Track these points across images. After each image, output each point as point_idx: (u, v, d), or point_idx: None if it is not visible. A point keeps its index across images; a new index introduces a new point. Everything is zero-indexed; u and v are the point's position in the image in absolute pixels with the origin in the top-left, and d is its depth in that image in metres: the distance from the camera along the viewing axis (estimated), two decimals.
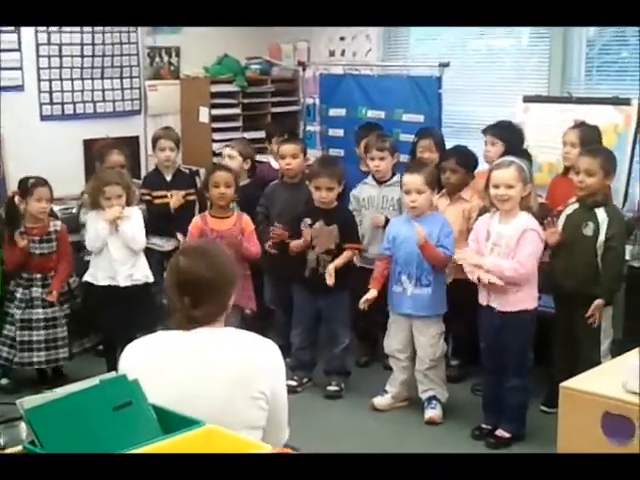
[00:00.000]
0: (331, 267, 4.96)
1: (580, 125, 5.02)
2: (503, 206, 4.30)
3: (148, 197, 5.71)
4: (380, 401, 4.91)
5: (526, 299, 4.35)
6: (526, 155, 4.93)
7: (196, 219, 5.14)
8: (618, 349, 4.22)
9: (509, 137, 5.18)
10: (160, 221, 5.64)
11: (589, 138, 4.89)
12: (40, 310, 5.08)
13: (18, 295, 5.07)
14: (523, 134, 5.38)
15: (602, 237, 4.42)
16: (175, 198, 5.67)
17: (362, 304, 4.81)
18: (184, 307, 2.51)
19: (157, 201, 5.72)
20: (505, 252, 4.29)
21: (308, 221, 5.04)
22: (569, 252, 4.49)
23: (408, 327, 4.80)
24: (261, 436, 2.50)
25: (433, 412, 4.74)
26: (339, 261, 4.99)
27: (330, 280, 4.93)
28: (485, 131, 5.29)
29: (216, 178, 5.03)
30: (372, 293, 4.80)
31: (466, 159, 5.14)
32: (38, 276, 5.08)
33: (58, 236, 5.14)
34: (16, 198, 5.08)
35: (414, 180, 4.64)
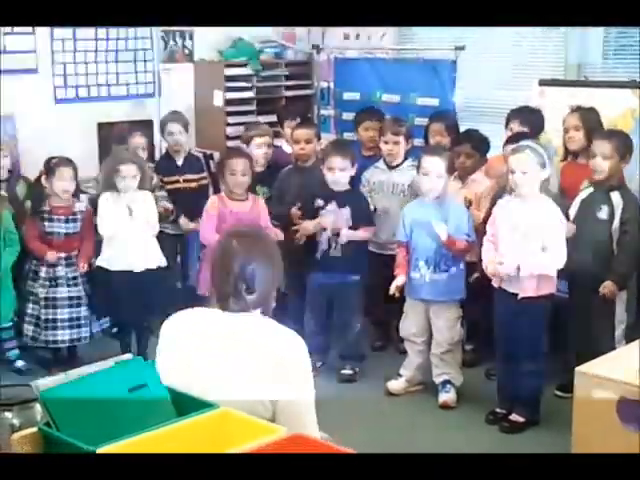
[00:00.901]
0: (345, 232, 4.92)
1: (578, 109, 4.98)
2: (519, 190, 4.28)
3: (160, 183, 5.70)
4: (394, 385, 4.90)
5: (548, 284, 4.32)
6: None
7: (213, 199, 5.13)
8: (632, 334, 4.21)
9: (531, 121, 5.14)
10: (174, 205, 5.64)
11: (591, 121, 4.87)
12: (65, 289, 5.10)
13: (42, 274, 5.09)
14: (543, 119, 5.34)
15: (617, 221, 4.39)
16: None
17: (393, 290, 4.77)
18: (238, 292, 2.49)
19: (168, 187, 5.71)
20: (529, 237, 4.25)
21: (320, 202, 5.02)
22: (584, 236, 4.45)
23: (425, 311, 4.79)
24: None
25: (447, 396, 4.73)
26: (354, 233, 4.96)
27: (343, 239, 4.91)
28: (509, 117, 5.23)
29: (233, 165, 5.01)
30: (401, 279, 4.76)
31: (480, 143, 5.13)
32: (63, 255, 5.10)
33: (83, 216, 5.17)
34: (42, 178, 5.11)
35: (435, 163, 4.61)
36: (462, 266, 4.75)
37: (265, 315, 2.58)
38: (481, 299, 4.70)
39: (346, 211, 4.99)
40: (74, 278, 5.14)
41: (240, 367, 2.43)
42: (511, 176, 4.28)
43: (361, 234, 5.03)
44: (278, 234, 4.96)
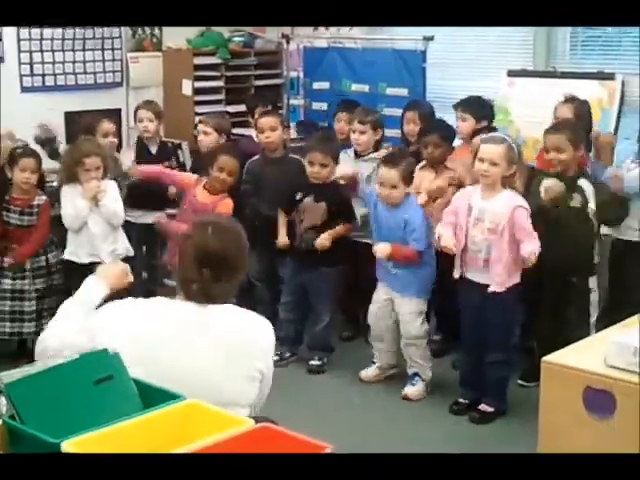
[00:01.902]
0: (325, 235, 4.93)
1: (572, 100, 4.99)
2: (484, 180, 4.29)
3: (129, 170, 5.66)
4: (367, 373, 4.92)
5: (516, 274, 4.34)
6: (494, 132, 4.92)
7: (193, 177, 5.18)
8: (603, 322, 4.24)
9: (480, 112, 5.18)
10: (137, 194, 5.59)
11: (584, 113, 4.89)
12: (9, 281, 5.04)
13: (5, 265, 5.03)
14: (493, 108, 5.37)
15: (592, 205, 4.42)
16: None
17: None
18: (203, 280, 2.51)
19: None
20: (492, 228, 4.26)
21: (299, 195, 5.02)
22: (556, 226, 4.44)
23: (390, 300, 4.80)
24: (248, 413, 2.50)
25: (409, 389, 4.74)
26: (332, 232, 4.97)
27: (323, 243, 4.92)
28: (456, 106, 5.28)
29: (221, 163, 4.99)
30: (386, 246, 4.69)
31: (447, 133, 5.14)
32: (13, 246, 5.03)
33: (40, 210, 5.09)
34: (5, 167, 5.05)
35: (389, 174, 4.60)
36: (428, 267, 4.75)
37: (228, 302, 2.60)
38: (449, 288, 4.71)
39: (321, 206, 4.99)
40: (39, 269, 5.09)
41: (212, 357, 2.45)
42: (479, 164, 4.28)
43: (339, 231, 5.02)
44: None
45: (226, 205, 5.01)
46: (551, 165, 4.54)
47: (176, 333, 2.49)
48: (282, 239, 5.13)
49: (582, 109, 4.92)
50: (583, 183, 4.45)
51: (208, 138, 5.61)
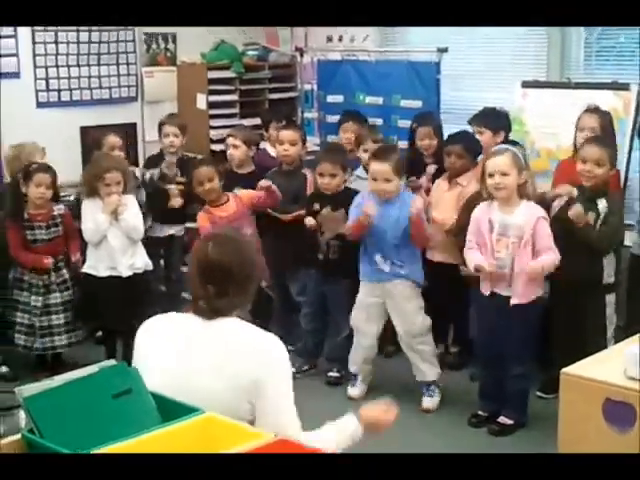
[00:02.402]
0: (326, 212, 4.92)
1: (596, 110, 4.95)
2: (499, 194, 4.26)
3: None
4: (355, 391, 4.90)
5: (539, 287, 4.33)
6: (512, 144, 4.89)
7: (201, 215, 5.06)
8: (621, 336, 4.22)
9: (496, 124, 5.15)
10: (156, 208, 5.62)
11: (608, 124, 4.86)
12: (40, 297, 5.05)
13: (33, 281, 5.05)
14: (509, 119, 5.34)
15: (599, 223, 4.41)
16: (173, 200, 5.64)
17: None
18: (208, 296, 2.49)
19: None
20: (517, 242, 4.23)
21: (317, 207, 5.02)
22: (570, 239, 4.42)
23: (379, 297, 4.76)
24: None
25: (428, 401, 4.73)
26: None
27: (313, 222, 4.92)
28: (471, 121, 5.25)
29: (197, 176, 5.03)
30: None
31: (472, 145, 5.10)
32: (49, 261, 5.07)
33: (63, 219, 5.14)
34: (20, 183, 5.08)
35: (381, 168, 4.60)
36: (418, 259, 4.76)
37: (239, 316, 2.56)
38: (465, 301, 4.70)
39: (340, 213, 4.98)
40: (64, 282, 5.12)
41: (217, 372, 2.43)
42: (489, 180, 4.26)
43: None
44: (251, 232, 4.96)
45: (242, 194, 5.09)
46: (580, 176, 4.48)
47: (183, 348, 2.48)
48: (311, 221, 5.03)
49: (607, 120, 4.89)
50: (601, 202, 4.42)
51: (237, 151, 5.61)
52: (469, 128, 5.38)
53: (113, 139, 5.60)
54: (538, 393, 4.68)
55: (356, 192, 5.04)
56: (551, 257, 4.22)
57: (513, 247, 4.25)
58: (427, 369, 4.75)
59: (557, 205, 4.54)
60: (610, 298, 4.52)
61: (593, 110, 4.95)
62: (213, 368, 2.44)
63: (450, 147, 5.07)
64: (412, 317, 4.71)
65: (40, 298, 5.05)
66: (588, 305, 4.49)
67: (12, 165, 5.38)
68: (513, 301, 4.27)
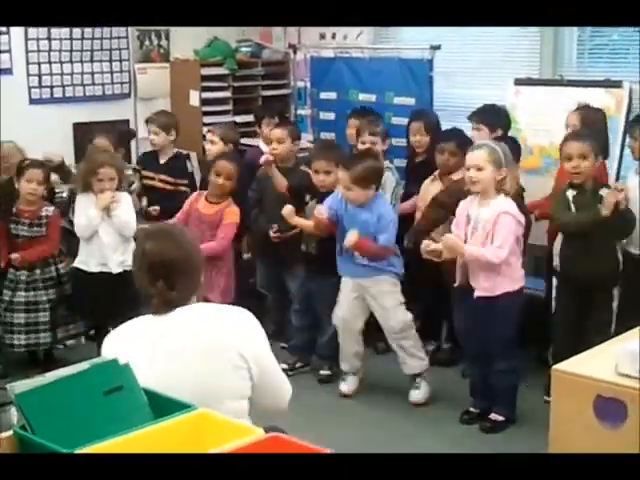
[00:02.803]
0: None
1: (583, 108, 4.96)
2: (473, 188, 4.29)
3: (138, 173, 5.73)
4: (349, 387, 4.92)
5: (506, 282, 4.31)
6: (511, 141, 4.90)
7: (193, 195, 5.19)
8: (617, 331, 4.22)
9: (494, 121, 5.15)
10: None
11: (591, 121, 4.85)
12: (22, 293, 5.07)
13: (9, 276, 5.07)
14: (508, 116, 5.35)
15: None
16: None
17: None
18: (159, 291, 2.52)
19: (145, 181, 5.75)
20: (482, 235, 4.26)
21: (308, 197, 5.03)
22: (582, 237, 4.39)
23: (362, 297, 4.78)
24: (247, 406, 2.53)
25: (416, 394, 4.76)
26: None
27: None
28: (470, 117, 5.25)
29: (218, 167, 5.02)
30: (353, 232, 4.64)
31: (464, 142, 5.09)
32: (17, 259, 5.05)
33: (48, 221, 5.11)
34: (14, 178, 5.08)
35: (342, 176, 4.60)
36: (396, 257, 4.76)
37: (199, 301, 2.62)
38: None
39: None
40: (51, 279, 5.11)
41: (191, 358, 2.45)
42: (467, 173, 4.29)
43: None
44: (217, 248, 4.92)
45: (233, 212, 5.04)
46: (570, 175, 4.47)
47: (149, 348, 2.49)
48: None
49: (592, 117, 4.89)
50: (604, 193, 4.38)
51: (214, 147, 5.64)
52: (463, 125, 5.40)
53: (102, 142, 5.58)
54: (545, 398, 4.34)
55: None
56: (489, 252, 4.20)
57: (481, 239, 4.27)
58: (412, 362, 4.76)
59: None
60: (616, 292, 4.51)
61: (579, 108, 4.96)
62: (195, 356, 2.46)
63: (443, 144, 5.08)
64: (392, 313, 4.72)
65: (23, 294, 5.05)
66: (597, 299, 4.46)
67: None
68: (477, 293, 4.29)
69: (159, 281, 2.51)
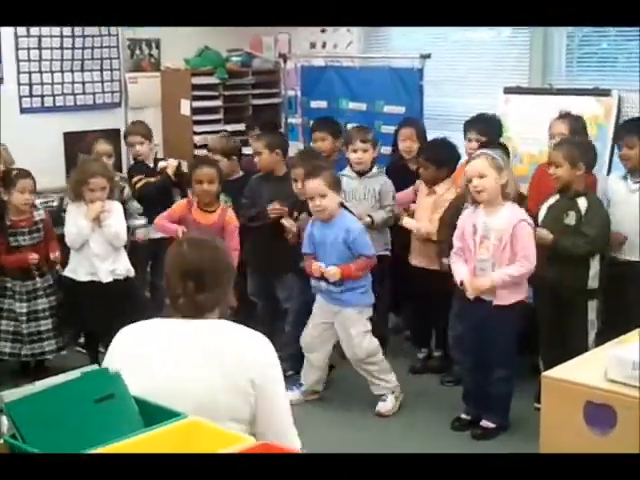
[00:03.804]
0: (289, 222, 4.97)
1: (566, 116, 5.01)
2: (479, 197, 4.29)
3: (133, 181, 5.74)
4: (295, 396, 4.86)
5: (520, 291, 4.34)
6: (501, 147, 4.92)
7: (182, 202, 5.18)
8: (599, 339, 4.25)
9: (487, 130, 5.17)
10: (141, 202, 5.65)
11: (577, 129, 4.90)
12: (24, 304, 5.06)
13: (17, 288, 5.05)
14: (501, 125, 5.38)
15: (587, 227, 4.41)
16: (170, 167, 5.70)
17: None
18: (188, 292, 2.53)
19: (138, 184, 5.74)
20: (497, 245, 4.26)
21: (295, 214, 5.05)
22: (552, 243, 4.48)
23: (331, 323, 4.79)
24: (247, 430, 2.47)
25: (382, 406, 4.76)
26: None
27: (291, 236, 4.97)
28: (466, 126, 5.26)
29: (198, 175, 5.03)
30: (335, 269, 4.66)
31: (437, 155, 5.09)
32: (34, 266, 5.07)
33: (44, 224, 5.15)
34: (1, 190, 5.07)
35: (315, 184, 4.60)
36: (366, 282, 4.72)
37: (222, 318, 2.61)
38: (445, 305, 4.72)
39: None
40: (50, 287, 5.13)
41: (206, 370, 2.44)
42: (470, 184, 4.29)
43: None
44: (236, 249, 4.93)
45: (232, 217, 5.09)
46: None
47: (170, 351, 2.50)
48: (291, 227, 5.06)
49: (578, 125, 4.94)
50: (581, 201, 4.44)
51: (221, 165, 5.64)
52: (452, 133, 5.42)
53: (104, 147, 5.60)
54: (536, 405, 4.40)
55: None
56: (515, 269, 4.22)
57: (494, 249, 4.27)
58: (379, 383, 4.78)
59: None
60: (592, 304, 4.54)
61: (563, 116, 5.00)
62: (207, 368, 2.45)
63: (423, 157, 5.10)
64: (356, 342, 4.72)
65: (25, 304, 5.05)
66: (571, 310, 4.50)
67: None
68: (496, 302, 4.29)
69: (189, 282, 2.54)
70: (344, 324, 4.73)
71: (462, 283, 4.34)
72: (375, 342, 4.77)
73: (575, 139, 4.74)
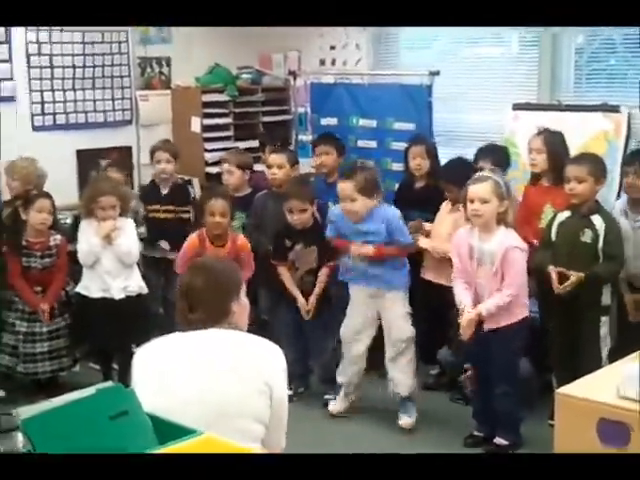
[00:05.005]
0: (312, 299, 5.01)
1: (544, 131, 5.03)
2: (476, 221, 4.30)
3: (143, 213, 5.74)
4: (336, 406, 4.97)
5: (516, 312, 4.34)
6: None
7: (194, 238, 5.02)
8: (612, 356, 4.23)
9: (499, 160, 5.16)
10: (153, 234, 5.65)
11: (554, 144, 4.92)
12: (25, 323, 5.10)
13: (19, 306, 5.09)
14: (507, 152, 5.38)
15: (601, 243, 4.41)
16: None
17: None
18: (182, 311, 2.75)
19: (150, 215, 5.74)
20: (491, 270, 4.28)
21: (288, 243, 5.06)
22: (567, 259, 4.45)
23: (367, 305, 4.82)
24: (263, 432, 2.62)
25: (405, 419, 4.78)
26: (318, 289, 5.02)
27: (308, 316, 5.01)
28: (476, 160, 5.25)
29: (211, 207, 4.94)
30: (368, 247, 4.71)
31: (457, 176, 5.02)
32: (39, 289, 5.10)
33: (58, 250, 5.16)
34: (20, 209, 5.10)
35: (346, 188, 4.63)
36: (406, 267, 4.81)
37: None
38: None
39: (312, 249, 5.03)
40: (52, 309, 5.13)
41: (223, 376, 2.58)
42: (470, 205, 4.29)
43: (324, 276, 5.05)
44: (248, 275, 4.90)
45: (245, 244, 5.05)
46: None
47: (189, 363, 2.62)
48: (303, 303, 5.06)
49: (553, 140, 4.93)
50: (595, 219, 4.44)
51: (232, 177, 5.68)
52: (461, 150, 5.42)
53: (115, 175, 5.60)
54: (550, 422, 4.31)
55: (321, 227, 5.07)
56: (500, 298, 4.25)
57: (486, 274, 4.29)
58: (404, 380, 4.80)
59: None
60: (605, 320, 4.53)
61: (542, 132, 5.01)
62: (230, 374, 2.58)
63: (444, 180, 5.10)
64: (402, 322, 4.76)
65: (25, 323, 5.08)
66: (584, 326, 4.49)
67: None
68: (487, 326, 4.31)
69: (183, 302, 2.75)
70: (389, 305, 4.75)
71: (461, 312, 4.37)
72: (413, 330, 4.80)
73: (587, 153, 4.74)
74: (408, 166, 5.55)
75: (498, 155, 5.22)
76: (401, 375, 4.78)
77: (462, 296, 4.37)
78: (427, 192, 5.39)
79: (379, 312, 4.80)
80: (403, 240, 4.71)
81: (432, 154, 5.50)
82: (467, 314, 4.30)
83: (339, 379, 4.96)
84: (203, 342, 2.66)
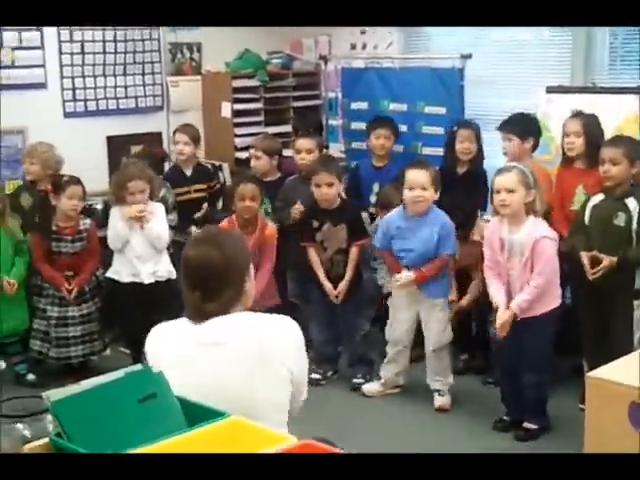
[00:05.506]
0: (343, 285, 5.00)
1: (579, 114, 4.97)
2: (503, 211, 4.28)
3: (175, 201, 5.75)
4: (370, 388, 4.99)
5: (547, 301, 4.32)
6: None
7: (223, 224, 5.02)
8: None
9: (524, 131, 5.11)
10: (183, 217, 5.68)
11: (593, 127, 4.86)
12: (75, 307, 5.14)
13: (50, 292, 5.13)
14: (538, 124, 5.30)
15: (635, 225, 4.36)
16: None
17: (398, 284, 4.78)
18: (195, 301, 2.49)
19: (179, 198, 5.76)
20: (521, 261, 4.26)
21: (315, 223, 5.05)
22: (600, 243, 4.42)
23: (411, 310, 4.84)
24: (287, 418, 2.53)
25: (441, 400, 4.82)
26: (350, 272, 5.01)
27: (338, 300, 5.01)
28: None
29: (241, 191, 4.97)
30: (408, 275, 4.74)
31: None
32: (70, 274, 5.14)
33: (88, 234, 5.20)
34: (50, 195, 5.14)
35: (419, 176, 4.63)
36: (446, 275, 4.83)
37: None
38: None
39: (341, 228, 5.01)
40: (83, 294, 5.17)
41: (228, 372, 2.44)
42: (496, 196, 4.27)
43: (354, 255, 5.03)
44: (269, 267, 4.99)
45: (272, 234, 5.05)
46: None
47: (191, 354, 2.49)
48: (330, 288, 5.05)
49: (592, 123, 4.88)
50: (630, 202, 4.39)
51: (260, 162, 5.68)
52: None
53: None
54: (580, 405, 4.21)
55: (352, 204, 5.09)
56: (529, 291, 4.23)
57: (518, 265, 4.27)
58: (442, 379, 4.85)
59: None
60: (638, 303, 4.48)
61: (577, 114, 4.96)
62: (236, 361, 2.45)
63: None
64: (442, 327, 4.80)
65: (56, 308, 5.12)
66: (616, 310, 4.45)
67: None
68: (521, 316, 4.29)
69: (196, 291, 2.49)
70: (431, 311, 4.78)
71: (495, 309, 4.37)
72: (450, 334, 4.84)
73: (623, 136, 4.69)
74: (453, 149, 5.41)
75: (519, 124, 5.14)
76: (437, 377, 4.84)
77: (496, 294, 4.36)
78: (471, 178, 5.32)
79: (419, 314, 4.83)
80: (447, 252, 4.72)
81: (478, 138, 5.42)
82: (501, 316, 4.29)
83: (382, 373, 4.98)
84: (209, 334, 2.48)
